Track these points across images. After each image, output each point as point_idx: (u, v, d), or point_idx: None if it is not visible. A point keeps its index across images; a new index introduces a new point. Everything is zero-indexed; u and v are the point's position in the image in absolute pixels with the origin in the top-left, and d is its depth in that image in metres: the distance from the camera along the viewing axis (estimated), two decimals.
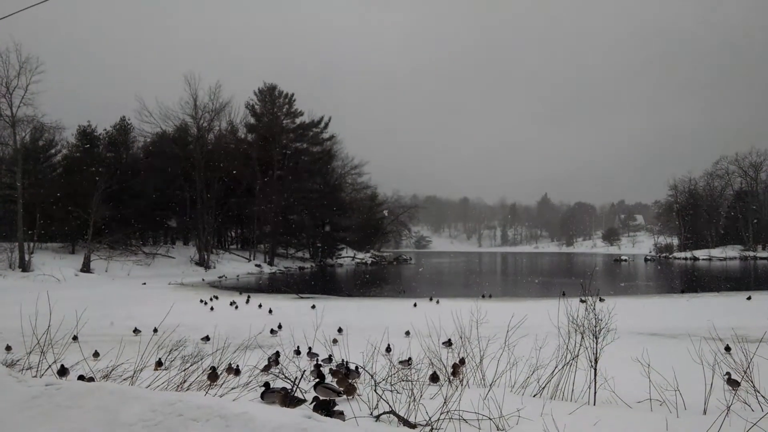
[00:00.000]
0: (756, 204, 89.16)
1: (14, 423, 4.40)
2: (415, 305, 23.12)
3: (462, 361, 8.25)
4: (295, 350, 11.42)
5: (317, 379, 6.52)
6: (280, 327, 17.28)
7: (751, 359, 6.35)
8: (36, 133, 52.64)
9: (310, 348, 11.24)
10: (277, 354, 10.53)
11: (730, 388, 6.82)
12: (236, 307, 24.54)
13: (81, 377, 7.22)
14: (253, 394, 6.52)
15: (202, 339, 13.65)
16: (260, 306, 24.68)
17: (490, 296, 27.40)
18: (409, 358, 9.31)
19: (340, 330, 14.60)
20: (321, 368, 8.26)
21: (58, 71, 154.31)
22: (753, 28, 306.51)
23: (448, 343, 11.08)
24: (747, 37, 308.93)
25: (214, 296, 28.03)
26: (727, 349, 8.63)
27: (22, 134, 48.52)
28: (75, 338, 9.11)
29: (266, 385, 6.38)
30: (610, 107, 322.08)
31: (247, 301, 27.09)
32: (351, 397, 6.16)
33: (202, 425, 4.15)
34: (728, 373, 6.86)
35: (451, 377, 7.58)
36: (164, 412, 4.34)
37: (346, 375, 7.25)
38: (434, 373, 7.67)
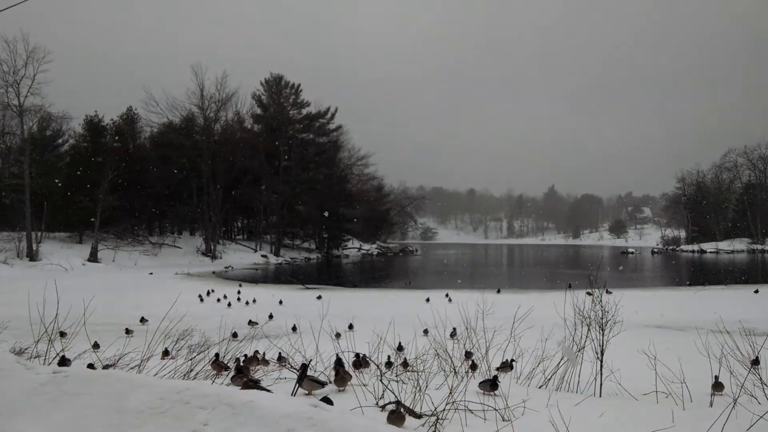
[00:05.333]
0: (765, 196, 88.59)
1: (23, 410, 4.44)
2: (428, 300, 22.54)
3: (468, 354, 8.27)
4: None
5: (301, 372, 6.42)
6: (298, 326, 16.85)
7: (758, 352, 6.33)
8: (43, 122, 52.93)
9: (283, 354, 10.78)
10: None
11: (714, 392, 6.54)
12: (246, 302, 24.27)
13: (90, 365, 7.28)
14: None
15: (232, 335, 13.55)
16: (250, 300, 24.25)
17: (499, 291, 26.94)
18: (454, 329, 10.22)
19: (351, 326, 14.51)
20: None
21: (65, 61, 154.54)
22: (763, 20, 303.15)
23: (453, 333, 11.07)
24: (758, 30, 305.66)
25: (211, 290, 27.23)
26: (756, 362, 7.34)
27: (30, 124, 48.88)
28: (63, 334, 8.97)
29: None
30: (618, 99, 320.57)
31: (239, 294, 26.64)
32: (343, 388, 6.09)
33: (209, 413, 4.17)
34: (716, 377, 6.62)
35: (469, 370, 7.62)
36: (171, 400, 4.36)
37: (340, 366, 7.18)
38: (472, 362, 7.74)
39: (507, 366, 7.86)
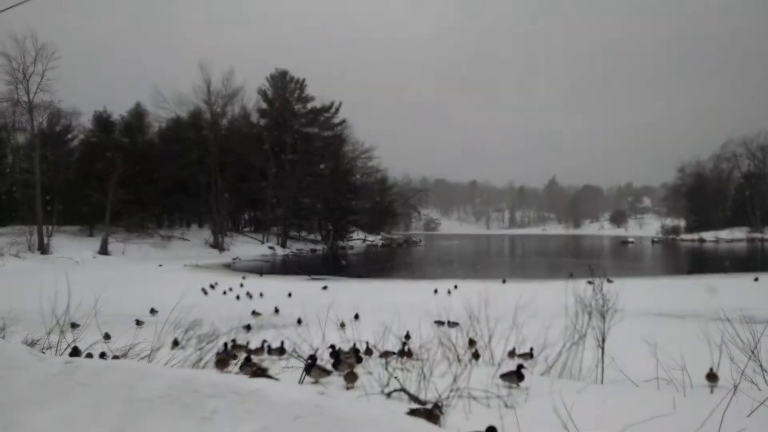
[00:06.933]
0: (764, 186, 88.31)
1: (35, 400, 4.50)
2: (435, 291, 22.10)
3: (471, 342, 8.34)
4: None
5: (309, 361, 6.43)
6: (305, 316, 16.80)
7: (758, 339, 6.38)
8: (53, 118, 53.19)
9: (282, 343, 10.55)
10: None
11: (709, 383, 6.47)
12: (251, 296, 24.01)
13: (102, 355, 7.41)
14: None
15: (245, 327, 13.59)
16: (258, 291, 23.80)
17: (504, 281, 26.66)
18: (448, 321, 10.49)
19: (356, 316, 14.49)
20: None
21: (74, 58, 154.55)
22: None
23: (450, 323, 11.07)
24: (758, 20, 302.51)
25: (215, 282, 26.54)
26: None
27: (40, 120, 49.16)
28: (74, 325, 9.06)
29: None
30: (619, 90, 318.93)
31: (242, 286, 26.50)
32: (351, 386, 6.09)
33: (217, 401, 4.24)
34: (711, 368, 6.56)
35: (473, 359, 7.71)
36: (181, 389, 4.42)
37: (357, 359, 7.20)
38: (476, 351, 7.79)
39: (527, 355, 7.91)
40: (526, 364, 7.16)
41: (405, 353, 7.82)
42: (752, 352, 6.26)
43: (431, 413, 4.49)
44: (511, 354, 7.91)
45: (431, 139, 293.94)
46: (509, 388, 5.90)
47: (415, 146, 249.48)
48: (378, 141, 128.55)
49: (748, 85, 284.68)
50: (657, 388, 6.27)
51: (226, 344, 7.94)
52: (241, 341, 9.19)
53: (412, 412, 4.46)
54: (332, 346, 7.64)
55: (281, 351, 8.59)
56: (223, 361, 6.82)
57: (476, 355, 7.75)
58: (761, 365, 6.22)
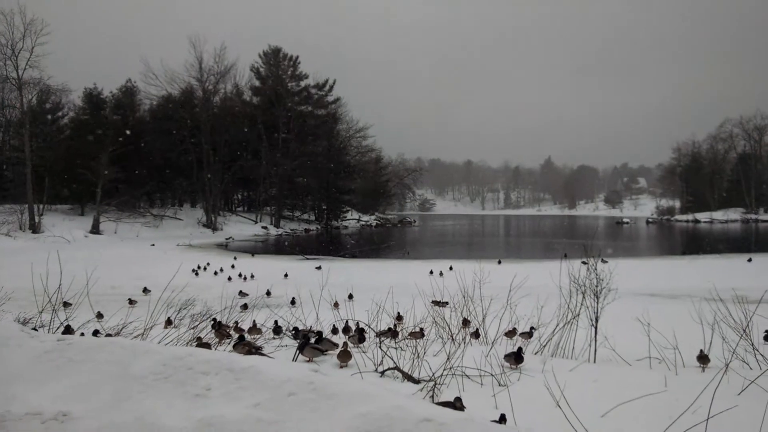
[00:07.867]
0: (759, 167, 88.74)
1: (28, 377, 4.49)
2: (431, 272, 22.12)
3: (465, 321, 8.36)
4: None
5: (302, 341, 6.42)
6: (299, 296, 16.31)
7: (750, 318, 6.43)
8: (42, 95, 52.53)
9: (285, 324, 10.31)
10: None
11: (700, 364, 6.42)
12: (245, 278, 23.84)
13: (95, 333, 7.39)
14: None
15: (242, 307, 13.43)
16: (251, 272, 23.47)
17: (500, 262, 26.48)
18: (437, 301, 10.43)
19: (350, 296, 14.46)
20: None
21: (64, 34, 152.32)
22: None
23: (441, 304, 11.08)
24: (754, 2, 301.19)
25: (206, 264, 25.79)
26: None
27: (29, 97, 48.51)
28: (66, 304, 8.97)
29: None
30: (615, 70, 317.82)
31: (233, 267, 25.89)
32: (345, 364, 6.06)
33: (211, 378, 4.25)
34: (701, 350, 6.47)
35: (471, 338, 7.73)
36: (174, 366, 4.43)
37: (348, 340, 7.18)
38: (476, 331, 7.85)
39: (527, 334, 7.93)
40: (523, 343, 7.22)
41: (395, 333, 7.83)
42: (744, 332, 6.31)
43: (455, 406, 4.41)
44: (511, 333, 7.92)
45: (427, 120, 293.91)
46: (502, 367, 5.93)
47: (411, 126, 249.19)
48: (373, 121, 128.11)
49: (745, 66, 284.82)
50: (649, 367, 6.33)
51: (219, 322, 7.92)
52: (228, 321, 9.13)
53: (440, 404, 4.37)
54: (296, 329, 7.64)
55: (276, 330, 8.58)
56: (205, 345, 6.71)
57: (477, 335, 7.76)
58: (752, 344, 6.27)
